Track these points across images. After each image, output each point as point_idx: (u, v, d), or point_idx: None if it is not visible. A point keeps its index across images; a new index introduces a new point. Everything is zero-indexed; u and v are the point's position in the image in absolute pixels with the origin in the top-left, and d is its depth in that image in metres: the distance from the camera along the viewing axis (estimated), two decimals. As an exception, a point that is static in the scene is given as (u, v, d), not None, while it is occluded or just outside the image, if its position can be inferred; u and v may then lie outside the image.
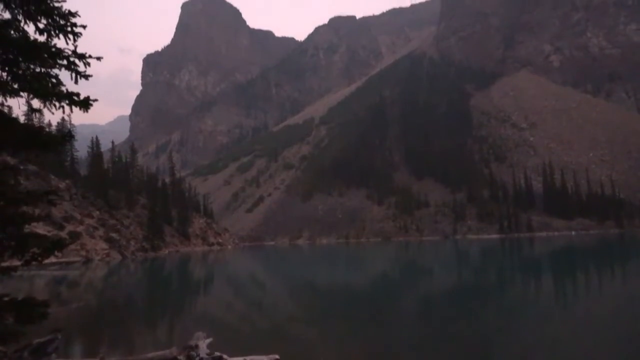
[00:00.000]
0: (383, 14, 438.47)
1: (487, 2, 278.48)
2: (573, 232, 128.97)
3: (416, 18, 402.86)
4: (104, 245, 69.60)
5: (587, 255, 55.93)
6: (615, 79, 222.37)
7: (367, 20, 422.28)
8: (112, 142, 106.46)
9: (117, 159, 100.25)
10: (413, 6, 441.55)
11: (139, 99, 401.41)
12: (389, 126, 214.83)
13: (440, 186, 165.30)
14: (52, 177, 71.36)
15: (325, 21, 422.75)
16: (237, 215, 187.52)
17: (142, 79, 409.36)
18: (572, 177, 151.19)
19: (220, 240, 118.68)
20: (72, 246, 60.82)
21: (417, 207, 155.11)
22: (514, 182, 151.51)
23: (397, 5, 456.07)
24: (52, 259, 50.60)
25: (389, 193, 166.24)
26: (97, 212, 76.55)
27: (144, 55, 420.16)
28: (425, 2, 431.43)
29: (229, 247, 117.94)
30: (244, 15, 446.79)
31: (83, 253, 63.83)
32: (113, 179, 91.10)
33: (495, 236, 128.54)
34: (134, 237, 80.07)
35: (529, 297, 24.36)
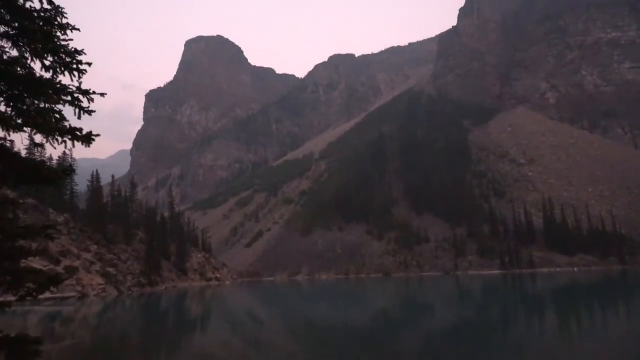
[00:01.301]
0: (382, 53, 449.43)
1: (482, 41, 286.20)
2: (575, 269, 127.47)
3: (414, 57, 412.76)
4: (100, 280, 68.61)
5: (592, 292, 55.10)
6: (611, 116, 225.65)
7: (366, 58, 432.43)
8: (113, 177, 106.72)
9: (116, 193, 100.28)
10: (411, 45, 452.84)
11: (140, 133, 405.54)
12: (388, 161, 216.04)
13: (440, 221, 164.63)
14: (51, 211, 71.15)
15: (325, 59, 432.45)
16: (235, 250, 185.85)
17: (144, 114, 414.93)
18: (572, 213, 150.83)
19: (218, 276, 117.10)
20: (68, 281, 59.91)
21: (417, 242, 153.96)
22: (514, 217, 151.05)
23: (395, 44, 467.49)
24: (47, 295, 49.76)
25: (389, 228, 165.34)
26: (95, 247, 75.87)
27: (147, 91, 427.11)
28: (423, 41, 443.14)
29: (227, 282, 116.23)
30: (246, 53, 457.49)
31: (79, 288, 62.82)
32: (112, 213, 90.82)
33: (496, 272, 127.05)
34: (131, 272, 79.01)
35: (534, 336, 23.82)
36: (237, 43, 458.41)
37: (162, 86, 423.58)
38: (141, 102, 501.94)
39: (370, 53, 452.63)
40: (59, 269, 58.04)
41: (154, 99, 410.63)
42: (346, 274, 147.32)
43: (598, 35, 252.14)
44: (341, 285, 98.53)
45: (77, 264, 66.19)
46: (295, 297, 67.66)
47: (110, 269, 72.69)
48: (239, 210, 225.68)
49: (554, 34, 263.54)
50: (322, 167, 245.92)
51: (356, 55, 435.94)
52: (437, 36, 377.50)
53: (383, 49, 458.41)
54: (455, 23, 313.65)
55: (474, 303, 46.41)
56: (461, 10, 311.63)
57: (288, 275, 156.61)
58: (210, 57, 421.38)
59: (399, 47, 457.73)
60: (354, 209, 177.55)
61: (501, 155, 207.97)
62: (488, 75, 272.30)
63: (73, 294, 60.21)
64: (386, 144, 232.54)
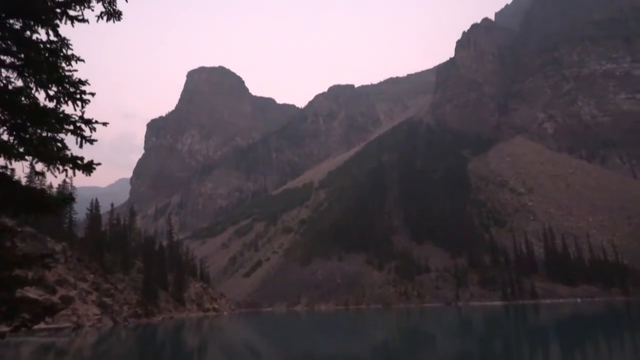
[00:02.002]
0: (380, 83, 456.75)
1: (479, 72, 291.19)
2: (578, 300, 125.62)
3: (412, 87, 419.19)
4: (96, 310, 67.48)
5: (597, 324, 54.14)
6: (608, 145, 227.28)
7: (365, 89, 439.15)
8: (112, 205, 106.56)
9: (115, 222, 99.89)
10: (409, 76, 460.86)
11: (141, 162, 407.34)
12: (387, 191, 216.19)
13: (441, 250, 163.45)
14: (49, 239, 70.68)
15: (325, 89, 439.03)
16: (234, 280, 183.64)
17: (145, 143, 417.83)
18: (573, 243, 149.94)
19: (216, 306, 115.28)
20: (63, 311, 58.93)
21: (417, 272, 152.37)
22: (515, 247, 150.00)
23: (394, 75, 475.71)
24: (42, 325, 48.89)
25: (389, 257, 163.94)
26: (92, 276, 74.97)
27: (148, 120, 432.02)
28: (421, 72, 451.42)
29: (225, 313, 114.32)
30: (247, 83, 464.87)
31: (74, 318, 61.71)
32: (110, 242, 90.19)
33: (498, 303, 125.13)
34: (127, 302, 77.81)
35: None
36: (238, 73, 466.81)
37: (164, 115, 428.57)
38: (142, 130, 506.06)
39: (370, 84, 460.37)
40: (55, 298, 57.18)
41: (155, 127, 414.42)
42: (346, 305, 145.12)
43: (593, 67, 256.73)
44: (341, 316, 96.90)
45: (73, 293, 65.27)
46: (294, 328, 66.45)
47: (106, 299, 71.62)
48: (237, 239, 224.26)
49: (550, 65, 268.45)
50: (321, 196, 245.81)
51: (355, 86, 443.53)
52: (435, 67, 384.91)
53: (382, 80, 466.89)
54: (452, 54, 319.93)
55: (477, 335, 45.54)
56: (458, 42, 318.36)
57: (287, 305, 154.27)
58: (212, 87, 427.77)
59: (397, 77, 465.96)
60: (353, 238, 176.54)
61: (500, 184, 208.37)
62: (485, 105, 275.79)
63: (68, 324, 59.12)
64: (385, 173, 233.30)
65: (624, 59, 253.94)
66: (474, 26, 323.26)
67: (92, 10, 11.47)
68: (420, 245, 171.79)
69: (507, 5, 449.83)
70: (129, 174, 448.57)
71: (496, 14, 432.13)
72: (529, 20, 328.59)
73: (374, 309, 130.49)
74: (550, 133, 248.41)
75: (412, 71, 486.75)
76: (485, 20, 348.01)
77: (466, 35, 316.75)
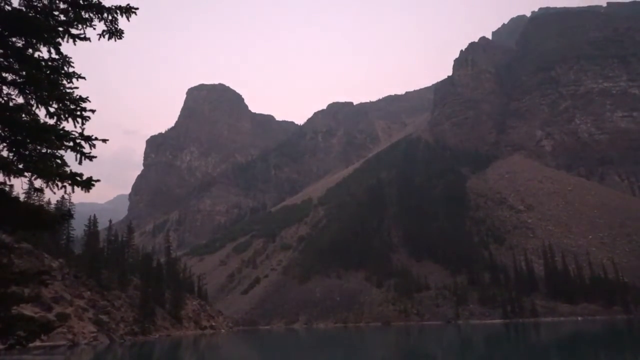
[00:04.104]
0: (379, 101, 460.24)
1: (477, 90, 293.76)
2: (579, 318, 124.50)
3: (411, 104, 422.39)
4: (92, 328, 66.65)
5: (599, 343, 53.56)
6: (606, 163, 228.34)
7: (364, 106, 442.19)
8: (110, 221, 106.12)
9: (113, 238, 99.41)
10: (408, 93, 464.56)
11: (139, 178, 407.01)
12: (386, 208, 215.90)
13: (440, 268, 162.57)
14: (46, 255, 70.20)
15: (324, 106, 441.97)
16: (232, 297, 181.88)
17: (144, 160, 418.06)
18: (573, 260, 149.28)
19: (213, 324, 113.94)
20: (59, 329, 58.21)
21: (417, 289, 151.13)
22: (515, 264, 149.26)
23: (392, 93, 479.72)
24: (37, 342, 48.22)
25: (388, 275, 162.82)
26: (88, 293, 74.26)
27: (147, 137, 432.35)
28: (419, 89, 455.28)
29: (223, 331, 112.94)
30: (246, 101, 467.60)
31: (70, 336, 60.91)
32: (107, 259, 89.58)
33: (498, 321, 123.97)
34: (124, 319, 76.93)
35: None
36: (237, 90, 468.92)
37: (163, 132, 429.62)
38: (142, 147, 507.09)
39: (368, 101, 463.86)
40: (51, 315, 56.53)
41: (155, 144, 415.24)
42: (344, 323, 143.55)
43: (589, 85, 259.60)
44: (340, 334, 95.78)
45: (69, 310, 64.55)
46: (292, 346, 65.61)
47: (102, 316, 70.82)
48: (236, 256, 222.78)
49: (547, 83, 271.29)
50: (320, 213, 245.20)
51: (354, 103, 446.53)
52: (433, 85, 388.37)
53: (380, 97, 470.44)
54: (450, 73, 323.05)
55: (478, 355, 44.98)
56: (456, 60, 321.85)
57: (285, 323, 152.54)
58: (212, 104, 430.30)
59: (396, 95, 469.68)
60: (352, 256, 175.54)
61: (499, 201, 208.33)
62: (483, 123, 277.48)
63: (63, 342, 58.35)
64: (384, 190, 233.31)
65: (621, 77, 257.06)
66: (472, 45, 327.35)
67: (94, 28, 11.64)
68: (419, 263, 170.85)
69: (504, 25, 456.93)
70: (127, 190, 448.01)
71: (493, 33, 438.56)
72: (525, 39, 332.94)
73: (373, 327, 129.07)
74: (549, 150, 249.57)
75: (411, 89, 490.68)
76: (483, 39, 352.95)
77: (464, 53, 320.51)
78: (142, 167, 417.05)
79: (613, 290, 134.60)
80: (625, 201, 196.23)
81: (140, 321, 79.69)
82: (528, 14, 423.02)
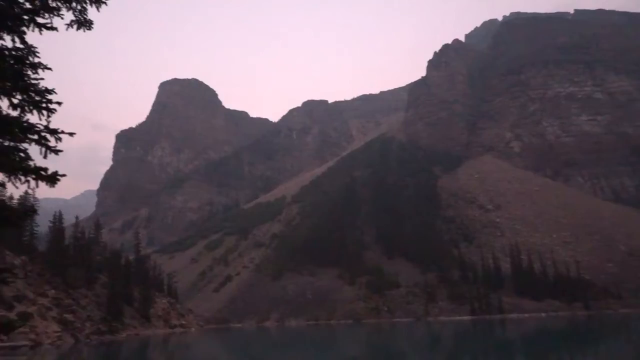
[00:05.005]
0: (354, 100, 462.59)
1: (450, 91, 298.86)
2: (543, 314, 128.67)
3: (385, 104, 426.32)
4: (56, 327, 64.71)
5: (560, 338, 55.44)
6: (571, 164, 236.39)
7: (339, 105, 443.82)
8: (76, 217, 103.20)
9: (79, 235, 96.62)
10: (382, 93, 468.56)
11: (108, 174, 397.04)
12: (360, 206, 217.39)
13: (412, 266, 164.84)
14: (8, 252, 67.74)
15: (299, 104, 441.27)
16: (203, 295, 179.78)
17: (113, 155, 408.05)
18: (538, 258, 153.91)
19: (183, 323, 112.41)
20: (21, 328, 56.27)
21: (388, 287, 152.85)
22: (483, 262, 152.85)
23: (367, 92, 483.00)
24: (-3, 343, 46.52)
25: (360, 273, 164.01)
26: (53, 291, 72.05)
27: (117, 131, 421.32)
28: (394, 89, 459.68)
29: (193, 329, 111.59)
30: (220, 96, 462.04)
31: (32, 336, 58.95)
32: (73, 256, 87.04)
33: (467, 317, 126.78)
34: (90, 318, 75.00)
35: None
36: (211, 86, 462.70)
37: (134, 127, 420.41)
38: (111, 142, 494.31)
39: (343, 100, 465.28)
40: (12, 315, 54.62)
41: (125, 139, 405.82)
42: (316, 320, 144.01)
43: (557, 90, 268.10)
44: (311, 331, 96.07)
45: (32, 309, 62.49)
46: (263, 344, 65.41)
47: (67, 315, 68.87)
48: (207, 253, 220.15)
49: (516, 86, 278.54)
50: (294, 211, 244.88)
51: (329, 102, 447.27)
52: (407, 85, 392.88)
53: (355, 96, 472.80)
54: (424, 74, 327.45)
55: (446, 350, 45.89)
56: (430, 61, 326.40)
57: (257, 321, 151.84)
58: (185, 100, 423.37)
59: (370, 94, 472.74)
60: (325, 253, 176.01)
61: (469, 201, 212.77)
62: (456, 124, 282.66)
63: (25, 342, 56.43)
64: (358, 188, 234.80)
65: (586, 82, 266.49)
66: (445, 47, 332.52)
67: (62, 18, 11.26)
68: (391, 261, 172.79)
69: (476, 28, 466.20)
70: (95, 186, 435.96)
71: (466, 36, 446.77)
72: (497, 43, 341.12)
73: (344, 324, 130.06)
74: (517, 152, 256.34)
75: (385, 89, 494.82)
76: (456, 41, 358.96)
77: (437, 55, 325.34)
78: (111, 162, 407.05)
79: (574, 288, 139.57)
80: (588, 202, 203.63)
81: (107, 320, 77.94)
82: (500, 18, 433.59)
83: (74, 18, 11.20)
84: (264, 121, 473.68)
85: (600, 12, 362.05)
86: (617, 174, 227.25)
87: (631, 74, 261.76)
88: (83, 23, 11.27)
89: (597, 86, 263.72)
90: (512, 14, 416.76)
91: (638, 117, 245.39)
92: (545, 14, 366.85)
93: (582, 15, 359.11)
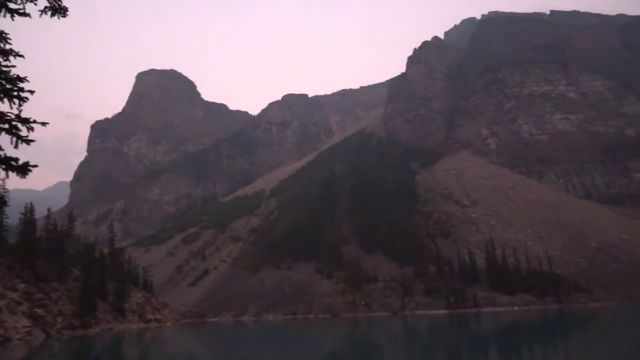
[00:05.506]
0: (334, 94, 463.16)
1: (429, 88, 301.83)
2: (516, 308, 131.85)
3: (365, 99, 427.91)
4: (26, 322, 63.09)
5: (532, 331, 56.91)
6: (545, 162, 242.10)
7: (319, 99, 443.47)
8: (49, 209, 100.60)
9: (52, 227, 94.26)
10: (362, 88, 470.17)
11: (83, 165, 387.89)
12: (338, 201, 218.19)
13: (389, 260, 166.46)
14: (-24, 245, 65.59)
15: (279, 98, 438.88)
16: (179, 289, 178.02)
17: (88, 146, 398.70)
18: (512, 254, 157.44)
19: (159, 317, 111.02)
20: (-10, 323, 54.71)
21: (365, 281, 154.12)
22: (459, 257, 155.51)
23: (347, 87, 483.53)
24: (-36, 339, 45.13)
25: (338, 267, 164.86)
26: (23, 285, 70.18)
27: (92, 122, 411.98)
28: (374, 85, 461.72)
29: (168, 324, 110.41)
30: (199, 88, 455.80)
31: (1, 331, 57.40)
32: (45, 249, 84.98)
33: (442, 312, 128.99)
34: (62, 313, 73.35)
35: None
36: (190, 77, 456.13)
37: (110, 117, 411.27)
38: (85, 132, 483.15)
39: (323, 94, 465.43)
40: (-20, 309, 52.97)
41: (100, 129, 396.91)
42: (294, 314, 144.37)
43: (532, 88, 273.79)
44: (289, 326, 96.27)
45: (0, 304, 60.78)
46: (240, 338, 65.23)
47: (38, 310, 67.20)
48: (184, 247, 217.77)
49: (494, 84, 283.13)
50: (272, 205, 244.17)
51: (309, 96, 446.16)
52: (387, 81, 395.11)
53: (335, 91, 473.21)
54: (404, 70, 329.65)
55: (422, 343, 46.59)
56: (409, 58, 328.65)
57: (234, 315, 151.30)
58: (162, 90, 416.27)
59: (350, 89, 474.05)
60: (303, 248, 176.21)
61: (447, 196, 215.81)
62: (434, 120, 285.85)
63: (-6, 337, 54.89)
64: (337, 183, 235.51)
65: (560, 82, 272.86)
66: (425, 43, 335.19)
67: (35, 4, 10.85)
68: (369, 255, 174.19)
69: (455, 26, 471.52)
70: (69, 177, 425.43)
71: (445, 34, 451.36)
72: (475, 41, 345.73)
73: (322, 318, 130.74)
74: (493, 149, 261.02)
75: (365, 84, 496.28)
76: (436, 38, 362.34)
77: (417, 52, 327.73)
78: (85, 154, 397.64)
79: (546, 282, 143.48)
80: (561, 198, 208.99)
81: (79, 314, 76.38)
82: (478, 17, 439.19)
83: (48, 4, 10.81)
84: (244, 114, 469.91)
85: (574, 13, 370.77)
86: (589, 171, 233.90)
87: (603, 74, 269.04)
88: (57, 10, 10.88)
89: (571, 86, 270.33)
90: (490, 12, 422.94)
91: (609, 116, 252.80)
92: (522, 13, 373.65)
93: (557, 16, 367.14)
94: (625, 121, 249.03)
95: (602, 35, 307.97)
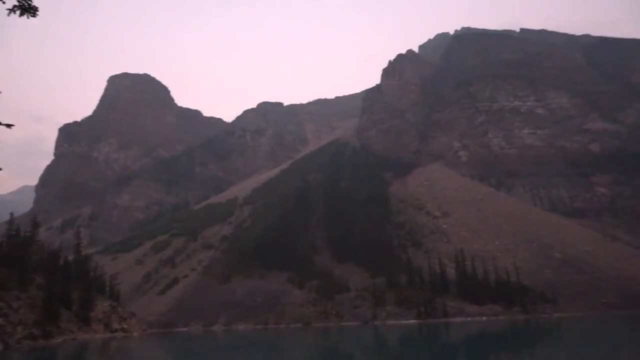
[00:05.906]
0: (309, 103, 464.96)
1: (403, 100, 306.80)
2: (484, 318, 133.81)
3: (340, 109, 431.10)
4: (-16, 332, 60.30)
5: (499, 341, 57.92)
6: (513, 175, 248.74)
7: (294, 108, 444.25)
8: (11, 214, 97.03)
9: (14, 233, 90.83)
10: (337, 98, 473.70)
11: (49, 169, 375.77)
12: (312, 210, 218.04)
13: (361, 270, 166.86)
14: None
15: (254, 105, 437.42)
16: (147, 298, 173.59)
17: (55, 149, 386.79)
18: (481, 264, 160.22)
19: (125, 326, 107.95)
20: (-57, 333, 52.00)
21: (337, 291, 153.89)
22: (430, 267, 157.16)
23: (322, 97, 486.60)
24: None
25: (310, 276, 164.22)
26: (-18, 293, 67.15)
27: (60, 125, 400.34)
28: (349, 95, 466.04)
29: (135, 334, 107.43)
30: (172, 93, 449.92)
31: (-44, 342, 54.64)
32: (7, 255, 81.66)
33: (413, 321, 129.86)
34: (22, 322, 70.47)
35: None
36: (164, 82, 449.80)
37: (79, 120, 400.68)
38: (53, 135, 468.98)
39: (299, 103, 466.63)
40: None
41: (69, 133, 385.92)
42: (265, 324, 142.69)
43: (502, 103, 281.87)
44: (259, 335, 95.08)
45: (-44, 312, 57.91)
46: (208, 349, 63.99)
47: (-3, 319, 64.35)
48: (154, 255, 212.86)
49: (465, 98, 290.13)
50: (245, 213, 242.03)
51: (284, 104, 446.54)
52: (362, 92, 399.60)
53: (311, 100, 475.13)
54: (379, 81, 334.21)
55: (391, 353, 46.73)
56: (384, 70, 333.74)
57: (203, 325, 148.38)
58: (135, 95, 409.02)
59: (326, 99, 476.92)
60: (275, 257, 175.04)
61: (418, 207, 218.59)
62: (407, 132, 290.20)
63: (-52, 348, 52.23)
64: (311, 192, 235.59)
65: (529, 97, 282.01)
66: (400, 56, 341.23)
67: (4, 2, 10.56)
68: (341, 265, 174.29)
69: (429, 40, 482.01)
70: (34, 181, 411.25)
71: (420, 47, 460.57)
72: (448, 56, 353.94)
73: (293, 328, 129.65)
74: (464, 161, 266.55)
75: (341, 94, 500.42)
76: (410, 51, 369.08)
77: (392, 64, 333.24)
78: (52, 157, 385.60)
79: (514, 293, 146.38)
80: (528, 211, 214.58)
81: (41, 324, 73.56)
82: (452, 32, 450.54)
83: (17, 3, 10.54)
84: (218, 121, 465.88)
85: (543, 32, 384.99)
86: (555, 185, 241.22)
87: (569, 91, 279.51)
88: (27, 9, 10.62)
89: (539, 102, 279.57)
90: (463, 28, 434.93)
91: (575, 132, 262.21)
92: (494, 30, 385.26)
93: (527, 33, 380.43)
94: (590, 137, 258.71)
95: (569, 54, 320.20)
